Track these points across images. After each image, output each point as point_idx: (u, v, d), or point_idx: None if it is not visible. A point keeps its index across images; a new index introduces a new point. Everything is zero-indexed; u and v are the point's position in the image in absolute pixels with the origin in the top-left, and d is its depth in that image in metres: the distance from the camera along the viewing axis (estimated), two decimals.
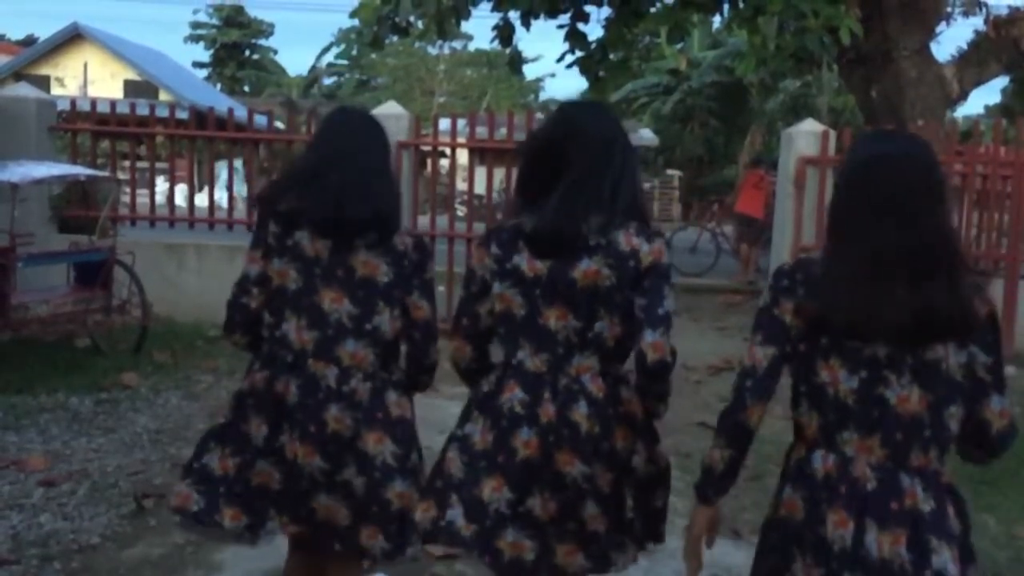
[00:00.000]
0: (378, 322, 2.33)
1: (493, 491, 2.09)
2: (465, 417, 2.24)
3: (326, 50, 46.41)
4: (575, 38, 11.77)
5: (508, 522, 2.09)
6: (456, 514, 2.12)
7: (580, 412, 2.08)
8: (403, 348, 2.45)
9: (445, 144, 8.90)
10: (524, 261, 2.11)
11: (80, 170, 7.40)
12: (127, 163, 8.99)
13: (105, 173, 8.00)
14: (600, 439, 2.09)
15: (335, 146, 2.39)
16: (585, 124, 2.16)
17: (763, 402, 1.86)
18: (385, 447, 2.35)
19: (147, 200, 8.85)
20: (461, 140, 8.92)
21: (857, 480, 1.77)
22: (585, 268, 2.08)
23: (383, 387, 2.38)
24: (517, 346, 2.14)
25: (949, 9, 11.29)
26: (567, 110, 2.27)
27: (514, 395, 2.11)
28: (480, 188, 9.22)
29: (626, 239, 2.09)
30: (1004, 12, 10.94)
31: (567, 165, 2.11)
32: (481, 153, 8.98)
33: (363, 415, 2.32)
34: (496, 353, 2.22)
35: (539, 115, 11.31)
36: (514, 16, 11.21)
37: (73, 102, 8.80)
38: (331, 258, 2.32)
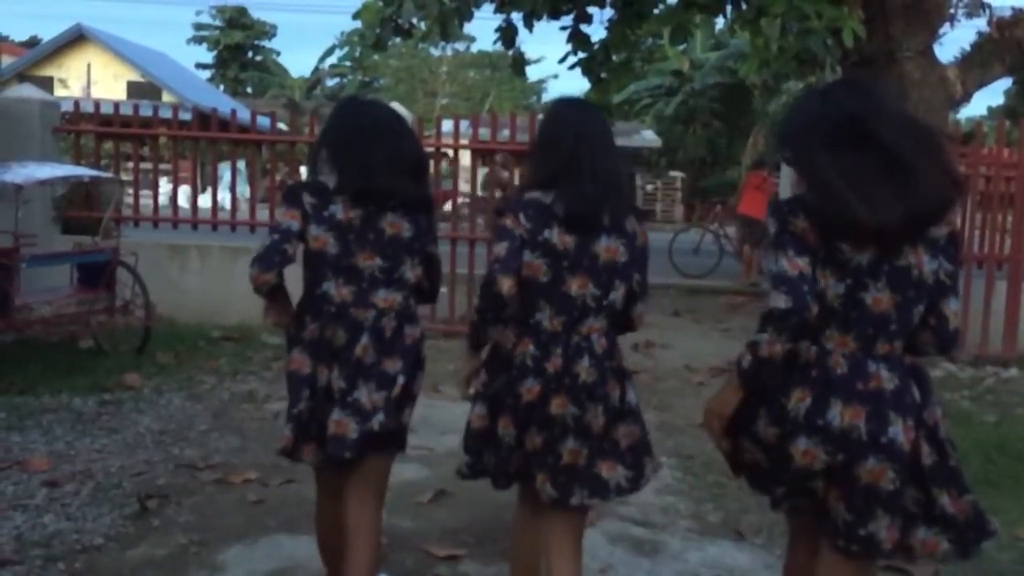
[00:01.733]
0: (403, 271, 2.77)
1: (504, 427, 2.55)
2: (492, 372, 2.60)
3: (329, 52, 46.49)
4: (578, 39, 11.76)
5: (515, 452, 2.56)
6: (465, 460, 2.67)
7: (582, 365, 2.49)
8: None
9: (448, 146, 8.90)
10: (556, 236, 2.48)
11: (83, 171, 7.41)
12: (130, 164, 9.01)
13: (108, 174, 8.01)
14: (596, 386, 2.50)
15: (360, 127, 2.75)
16: (592, 119, 2.61)
17: (816, 304, 2.09)
18: (400, 370, 2.76)
19: (150, 201, 8.87)
20: (464, 141, 8.93)
21: (829, 367, 2.13)
22: (606, 245, 2.51)
23: (403, 322, 2.78)
24: (536, 308, 2.52)
25: (952, 10, 11.26)
26: (565, 106, 2.69)
27: (527, 351, 2.51)
28: (483, 190, 9.21)
29: (629, 222, 2.55)
30: (1008, 13, 10.92)
31: (581, 155, 2.50)
32: (484, 155, 8.98)
33: (385, 345, 2.72)
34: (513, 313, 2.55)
35: (541, 117, 11.33)
36: (517, 18, 11.21)
37: (77, 103, 8.83)
38: (363, 224, 2.70)
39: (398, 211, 2.74)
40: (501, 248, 2.51)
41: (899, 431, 2.10)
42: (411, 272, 2.79)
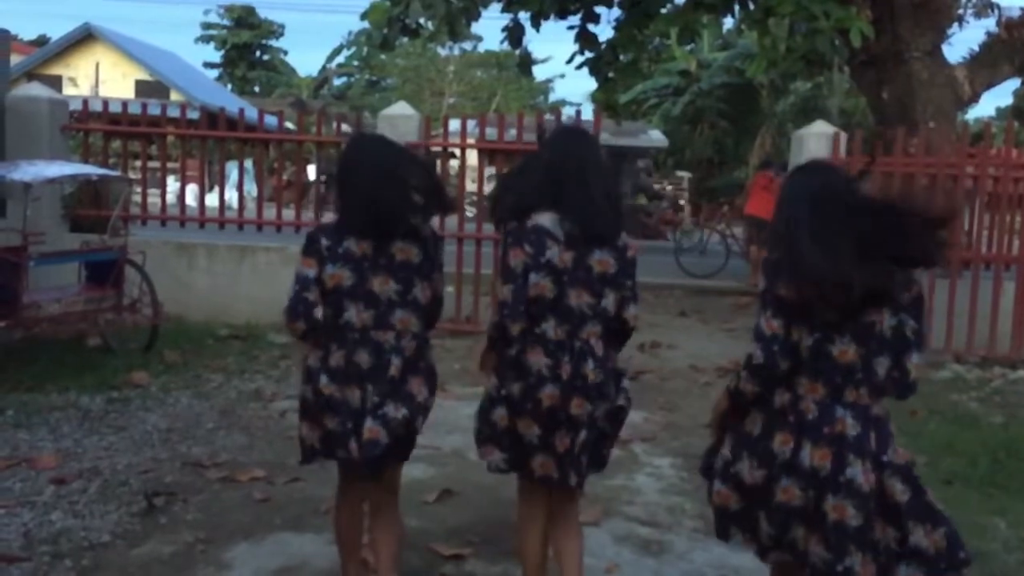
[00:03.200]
0: (416, 293, 2.97)
1: (526, 428, 2.83)
2: (503, 377, 2.87)
3: (337, 52, 46.47)
4: (585, 39, 11.75)
5: (538, 450, 2.83)
6: (500, 456, 2.92)
7: (588, 368, 2.80)
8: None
9: (455, 145, 8.91)
10: (556, 255, 2.79)
11: (92, 170, 7.44)
12: (138, 163, 9.04)
13: (117, 173, 8.03)
14: (602, 385, 2.82)
15: (362, 167, 2.96)
16: (587, 147, 2.93)
17: (787, 362, 2.38)
18: (422, 391, 3.00)
19: (158, 200, 8.89)
20: (471, 141, 8.94)
21: (802, 411, 2.38)
22: (599, 258, 2.82)
23: (423, 344, 3.03)
24: (542, 319, 2.80)
25: (961, 11, 11.25)
26: (562, 136, 3.02)
27: (540, 360, 2.79)
28: (490, 189, 9.21)
29: (621, 238, 2.87)
30: (1016, 14, 10.89)
31: (580, 179, 2.83)
32: (491, 154, 8.98)
33: (410, 365, 2.95)
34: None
35: (548, 116, 11.31)
36: (524, 17, 11.21)
37: (85, 102, 8.84)
38: (375, 253, 2.91)
39: (407, 238, 2.95)
40: (507, 292, 2.81)
41: (858, 472, 2.32)
42: (422, 295, 2.99)
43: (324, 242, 2.92)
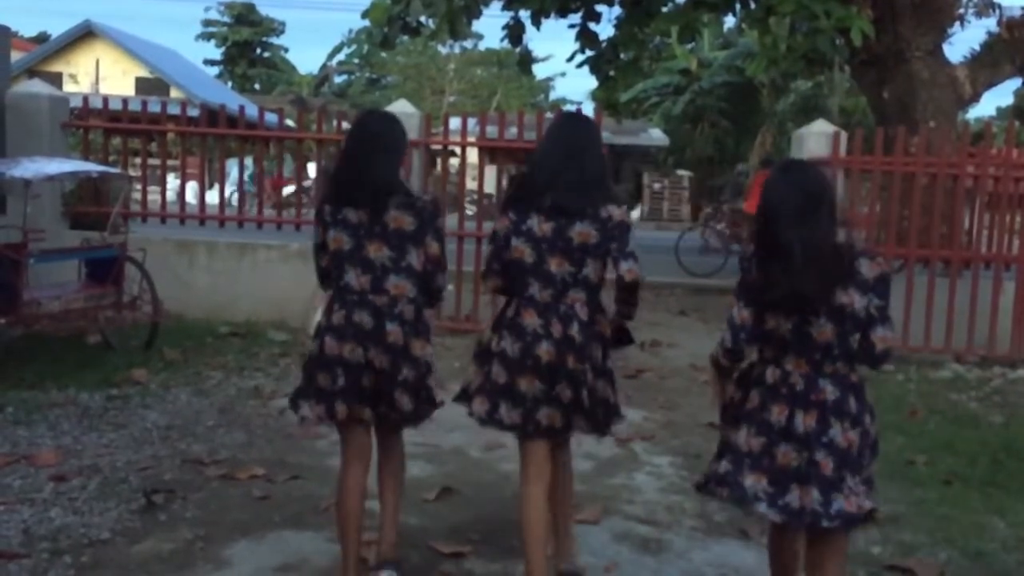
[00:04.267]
0: (410, 260, 3.16)
1: (528, 384, 3.06)
2: (499, 334, 3.13)
3: (337, 50, 46.43)
4: (586, 37, 11.76)
5: (543, 404, 3.06)
6: (505, 409, 3.11)
7: (574, 330, 3.05)
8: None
9: (455, 143, 8.90)
10: (536, 224, 3.07)
11: (92, 167, 7.43)
12: (139, 160, 9.03)
13: (117, 170, 8.03)
14: (585, 346, 3.06)
15: (359, 141, 3.23)
16: (577, 130, 3.22)
17: (752, 347, 2.78)
18: (426, 351, 3.22)
19: (158, 197, 8.89)
20: (471, 139, 8.93)
21: (792, 384, 2.71)
22: (580, 229, 3.05)
23: (421, 307, 3.22)
24: (528, 284, 3.08)
25: (962, 10, 11.25)
26: (554, 122, 3.32)
27: (533, 320, 3.06)
28: (490, 187, 9.21)
29: (605, 209, 3.07)
30: (1017, 14, 10.89)
31: (561, 158, 3.12)
32: (491, 152, 8.98)
33: (410, 328, 3.15)
34: (512, 288, 3.15)
35: (548, 114, 11.31)
36: (525, 15, 11.21)
37: (86, 99, 8.83)
38: (370, 221, 3.13)
39: (401, 208, 3.14)
40: (486, 252, 3.25)
41: (837, 432, 2.68)
42: (417, 261, 3.17)
43: (327, 208, 3.19)
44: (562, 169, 3.08)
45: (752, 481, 2.72)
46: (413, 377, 3.17)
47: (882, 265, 2.71)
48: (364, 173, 3.15)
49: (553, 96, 46.75)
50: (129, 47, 32.39)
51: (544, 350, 3.03)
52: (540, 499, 3.14)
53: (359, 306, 3.13)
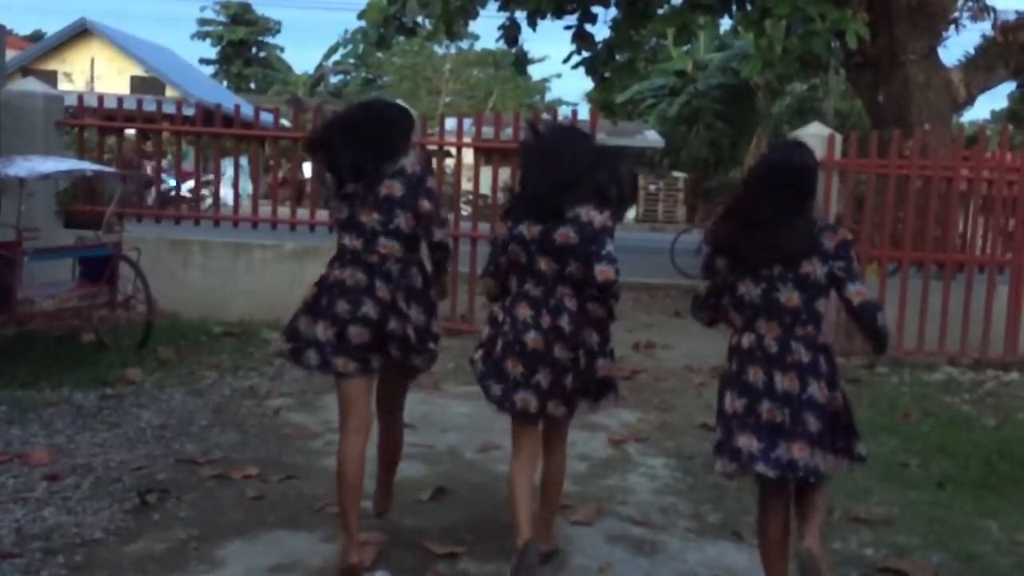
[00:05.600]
0: (397, 223, 3.46)
1: (512, 367, 3.37)
2: (500, 318, 3.45)
3: (333, 50, 46.35)
4: (582, 39, 11.76)
5: (520, 387, 3.36)
6: (492, 383, 3.42)
7: (563, 321, 3.35)
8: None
9: (451, 144, 8.90)
10: (526, 228, 3.39)
11: (87, 165, 7.41)
12: (146, 158, 9.01)
13: (111, 169, 8.01)
14: (576, 335, 3.34)
15: (349, 115, 3.62)
16: (558, 140, 3.54)
17: (707, 312, 3.21)
18: (409, 305, 3.49)
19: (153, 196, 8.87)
20: (467, 140, 8.93)
21: (766, 347, 2.98)
22: (562, 232, 3.34)
23: (407, 265, 3.51)
24: (524, 281, 3.42)
25: (957, 14, 11.26)
26: (542, 133, 3.64)
27: (525, 311, 3.38)
28: (485, 188, 9.20)
29: (585, 213, 3.34)
30: (1012, 17, 10.91)
31: (542, 167, 3.44)
32: (487, 153, 8.97)
33: (395, 285, 3.46)
34: (510, 285, 3.48)
35: (545, 116, 11.31)
36: (521, 16, 11.21)
37: (81, 97, 8.81)
38: (364, 191, 3.48)
39: (394, 178, 3.47)
40: (490, 255, 3.62)
41: (815, 390, 2.94)
42: (405, 224, 3.47)
43: (331, 183, 3.57)
44: (539, 177, 3.43)
45: (744, 441, 2.96)
46: (399, 327, 3.45)
47: (841, 233, 3.00)
48: (357, 151, 3.49)
49: (549, 97, 46.72)
50: (124, 46, 32.33)
51: (531, 338, 3.34)
52: (524, 477, 3.44)
53: (352, 263, 3.47)
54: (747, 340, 3.01)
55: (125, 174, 7.92)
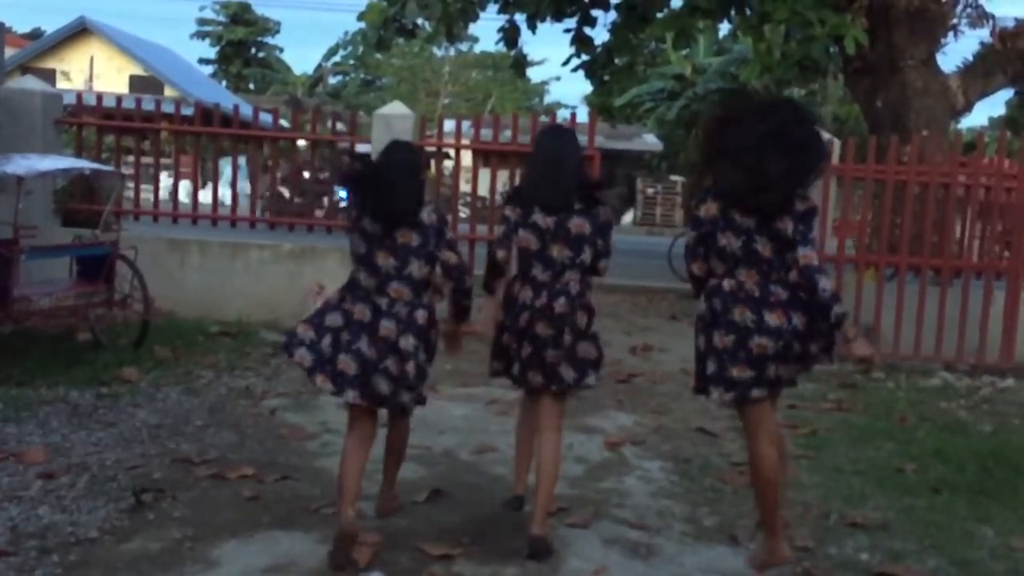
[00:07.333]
0: (411, 270, 3.63)
1: (507, 341, 3.80)
2: (506, 310, 3.79)
3: (333, 51, 46.38)
4: (581, 42, 11.77)
5: (515, 359, 3.78)
6: (494, 355, 3.91)
7: (559, 302, 3.66)
8: (448, 286, 3.84)
9: (450, 146, 8.90)
10: (540, 218, 3.72)
11: (85, 164, 7.40)
12: (131, 158, 9.00)
13: (109, 168, 8.01)
14: (569, 315, 3.67)
15: (385, 164, 3.70)
16: (561, 142, 3.89)
17: (698, 261, 3.56)
18: (411, 342, 3.60)
19: (151, 196, 8.86)
20: (465, 142, 8.92)
21: (748, 291, 3.39)
22: (576, 222, 3.72)
23: (414, 308, 3.64)
24: (531, 267, 3.74)
25: (955, 20, 11.28)
26: (542, 135, 4.05)
27: (525, 294, 3.72)
28: (484, 190, 9.20)
29: (597, 207, 3.74)
30: (1010, 24, 10.94)
31: (551, 166, 3.79)
32: (485, 155, 8.97)
33: (402, 326, 3.60)
34: (514, 270, 3.80)
35: (543, 118, 11.31)
36: (520, 19, 11.23)
37: (79, 96, 8.81)
38: (382, 233, 3.63)
39: (412, 228, 3.63)
40: (500, 231, 3.92)
41: (796, 322, 3.37)
42: (418, 271, 3.64)
43: (352, 216, 3.73)
44: (545, 174, 3.76)
45: (738, 373, 3.38)
46: (396, 367, 3.57)
47: (809, 202, 3.41)
48: (388, 200, 3.64)
49: (548, 100, 46.85)
50: (123, 45, 32.33)
51: (524, 318, 3.69)
52: (526, 433, 3.96)
53: (362, 301, 3.62)
54: (728, 284, 3.41)
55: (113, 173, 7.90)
